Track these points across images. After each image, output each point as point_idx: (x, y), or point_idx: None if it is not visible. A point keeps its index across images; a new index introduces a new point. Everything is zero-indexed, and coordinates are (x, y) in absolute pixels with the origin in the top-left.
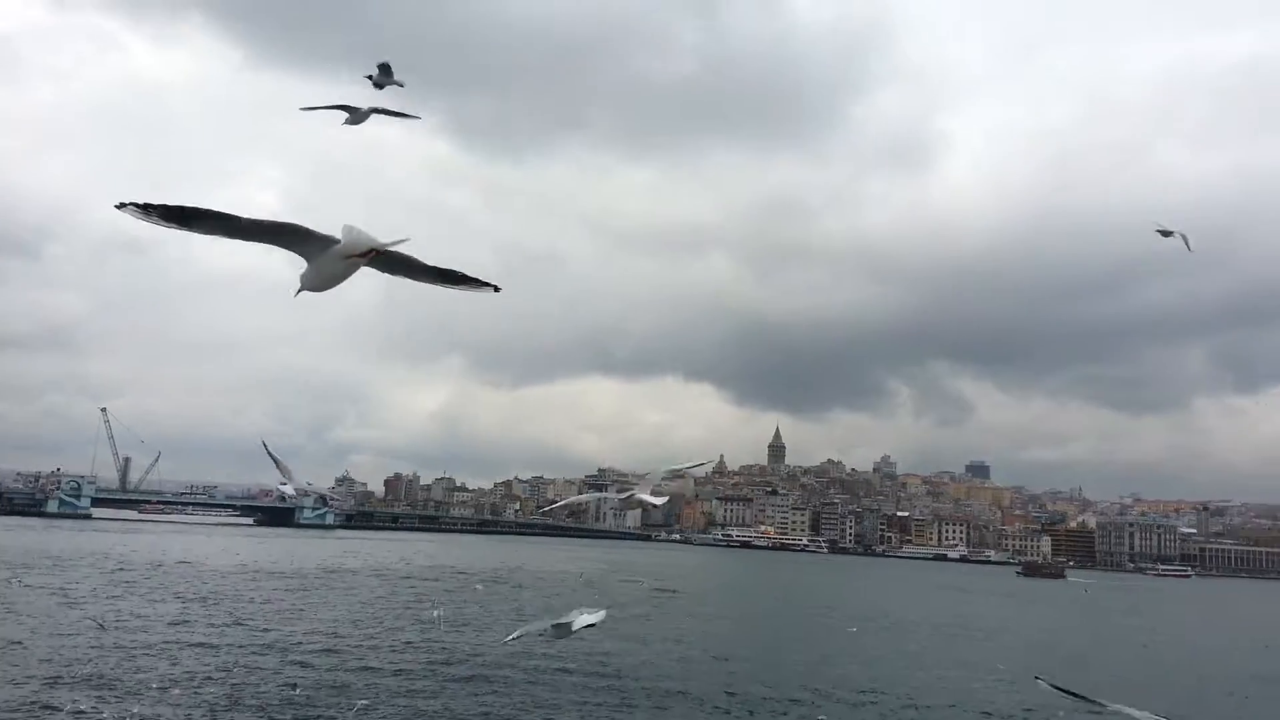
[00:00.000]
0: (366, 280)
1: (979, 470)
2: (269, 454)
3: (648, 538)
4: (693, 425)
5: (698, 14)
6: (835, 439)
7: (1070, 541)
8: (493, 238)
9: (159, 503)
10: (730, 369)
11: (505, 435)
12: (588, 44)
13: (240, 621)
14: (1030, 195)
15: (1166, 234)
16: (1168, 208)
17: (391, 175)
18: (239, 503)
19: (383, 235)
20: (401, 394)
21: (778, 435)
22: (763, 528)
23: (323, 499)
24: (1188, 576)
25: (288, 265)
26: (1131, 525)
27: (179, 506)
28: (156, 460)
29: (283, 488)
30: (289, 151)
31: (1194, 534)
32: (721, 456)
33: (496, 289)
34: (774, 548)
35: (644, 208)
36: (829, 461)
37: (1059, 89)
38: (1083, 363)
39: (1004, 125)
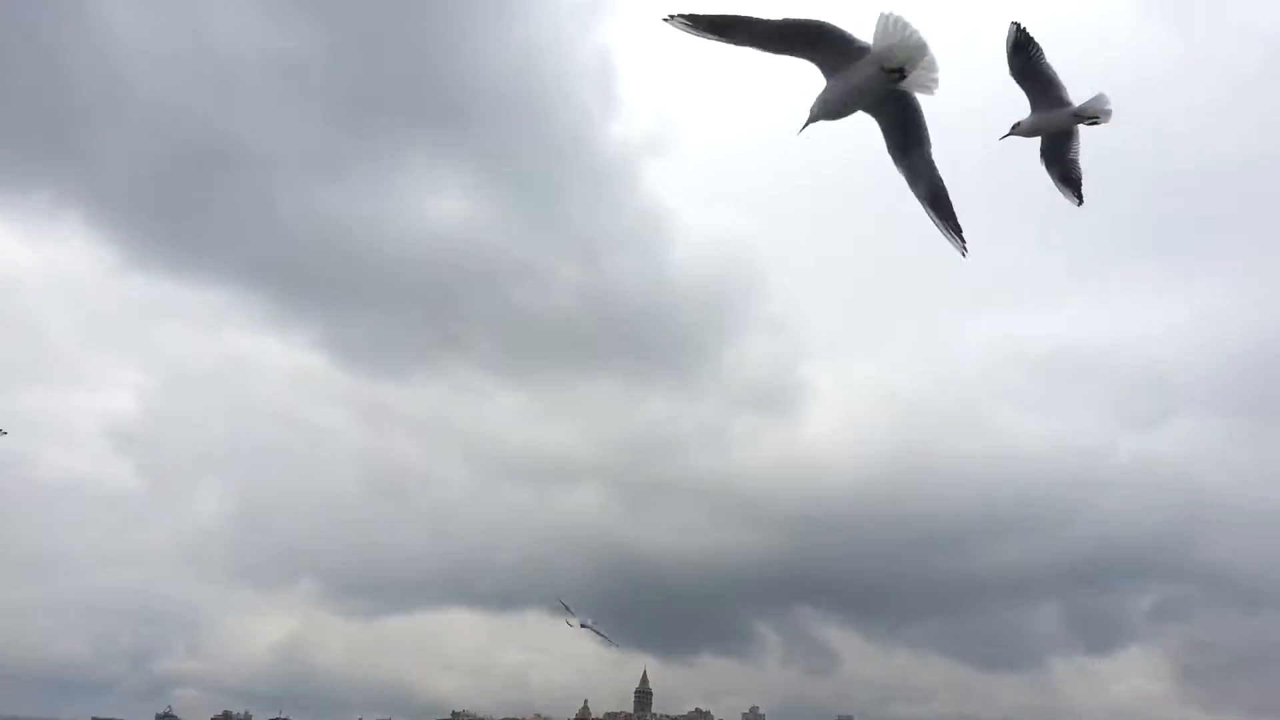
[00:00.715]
0: (214, 493)
1: None
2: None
3: None
4: (558, 665)
5: (580, 256)
6: (703, 685)
7: None
8: (362, 458)
9: None
10: (599, 606)
11: (354, 671)
12: (474, 274)
13: None
14: (886, 449)
15: None
16: (1007, 472)
17: (259, 388)
18: None
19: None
20: (241, 622)
21: (645, 680)
22: None
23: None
24: None
25: (132, 475)
26: None
27: None
28: None
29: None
30: (151, 355)
31: None
32: (586, 702)
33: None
34: None
35: (518, 435)
36: (697, 711)
37: (905, 352)
38: (941, 616)
39: (860, 381)
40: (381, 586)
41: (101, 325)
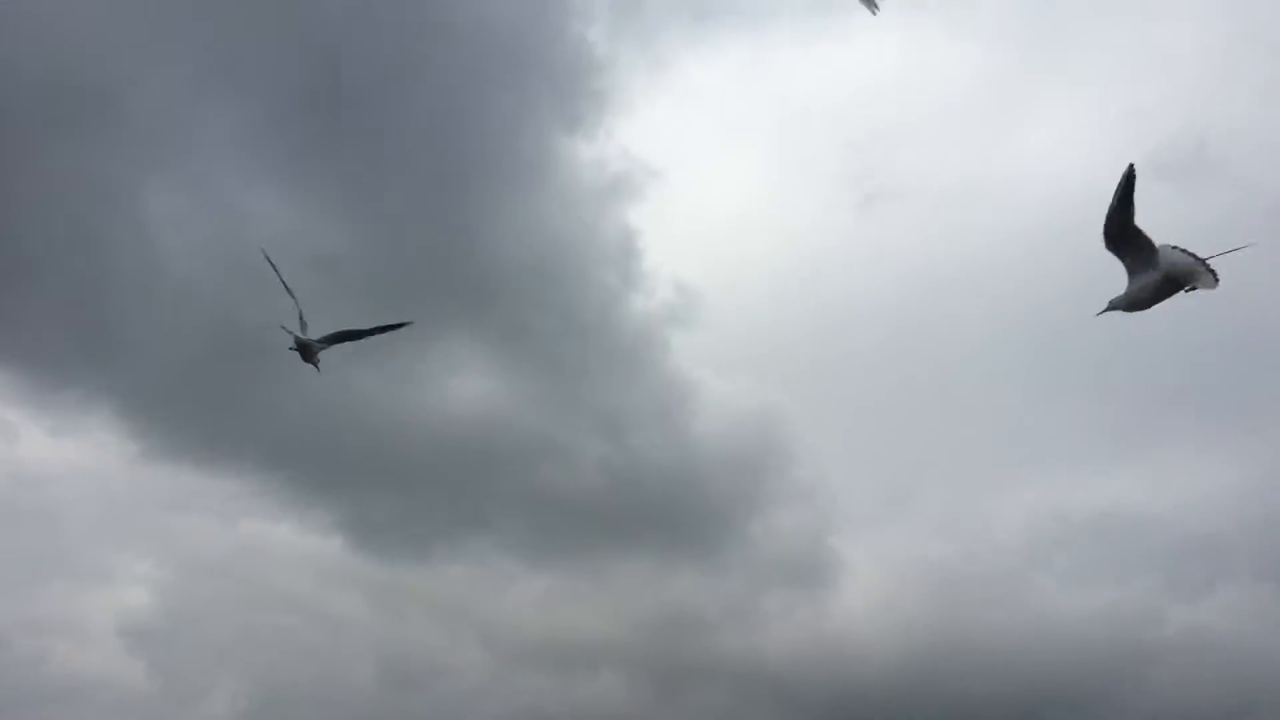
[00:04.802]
0: (227, 691)
1: None
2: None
3: None
4: None
5: (604, 434)
6: None
7: None
8: (379, 645)
9: None
10: None
11: None
12: (497, 453)
13: None
14: (922, 625)
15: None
16: (1050, 644)
17: (274, 576)
18: None
19: None
20: None
21: None
22: None
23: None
24: None
25: (145, 678)
26: None
27: None
28: None
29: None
30: (167, 548)
31: None
32: None
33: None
34: None
35: (540, 619)
36: None
37: (936, 525)
38: None
39: (890, 554)
40: None
41: (120, 518)
